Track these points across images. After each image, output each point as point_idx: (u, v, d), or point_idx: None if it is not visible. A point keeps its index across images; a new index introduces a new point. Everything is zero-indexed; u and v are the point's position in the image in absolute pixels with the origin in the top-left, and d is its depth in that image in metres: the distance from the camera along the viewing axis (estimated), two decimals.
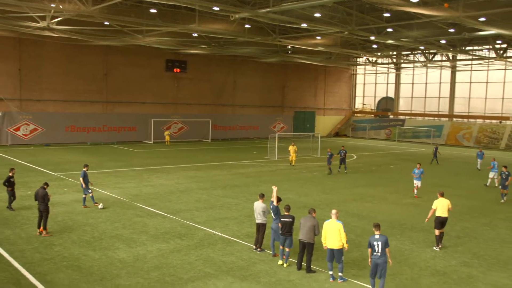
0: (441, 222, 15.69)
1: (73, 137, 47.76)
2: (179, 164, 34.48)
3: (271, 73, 63.68)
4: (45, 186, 16.71)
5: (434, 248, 15.56)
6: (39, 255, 14.07)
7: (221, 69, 58.54)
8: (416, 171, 24.93)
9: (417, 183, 24.67)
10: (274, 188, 15.03)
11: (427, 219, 16.27)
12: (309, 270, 13.15)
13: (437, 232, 15.69)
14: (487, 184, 28.61)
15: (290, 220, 13.63)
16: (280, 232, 13.72)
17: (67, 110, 47.52)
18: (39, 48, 44.99)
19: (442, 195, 16.15)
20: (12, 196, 19.39)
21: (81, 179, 20.40)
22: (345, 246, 12.58)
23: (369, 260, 11.69)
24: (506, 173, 24.53)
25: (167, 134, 51.60)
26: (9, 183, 19.23)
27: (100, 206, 20.35)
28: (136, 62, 51.23)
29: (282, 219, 13.72)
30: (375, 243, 11.54)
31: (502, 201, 23.99)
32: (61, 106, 47.20)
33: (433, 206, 15.90)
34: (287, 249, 13.71)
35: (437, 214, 15.76)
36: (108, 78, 49.63)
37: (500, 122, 58.87)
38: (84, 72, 48.09)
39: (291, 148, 34.84)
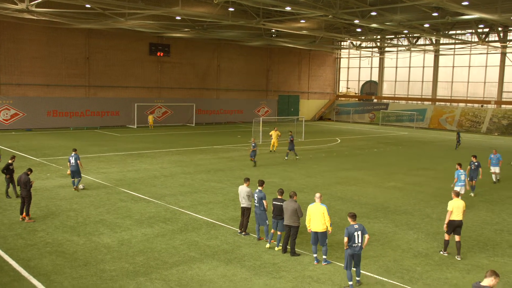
0: (455, 226, 13.65)
1: (55, 122, 47.20)
2: (163, 149, 34.33)
3: (255, 57, 63.41)
4: (28, 172, 16.54)
5: (441, 252, 13.81)
6: (22, 241, 13.97)
7: (205, 53, 58.10)
8: (460, 174, 19.53)
9: (460, 189, 19.12)
10: None
11: (445, 225, 13.76)
12: (293, 253, 13.26)
13: (447, 237, 13.77)
14: (497, 179, 24.95)
15: (281, 204, 13.65)
16: (273, 215, 13.84)
17: (48, 94, 46.82)
18: (18, 31, 44.11)
19: (457, 195, 14.02)
20: (10, 183, 19.02)
21: (79, 162, 20.57)
22: (329, 229, 12.68)
23: (346, 248, 11.25)
24: (476, 163, 21.99)
25: (151, 118, 51.39)
26: (8, 170, 18.92)
27: (81, 186, 20.87)
28: (118, 45, 50.58)
29: (273, 202, 13.81)
30: (355, 233, 11.20)
31: (472, 194, 21.56)
32: (42, 90, 46.50)
33: (449, 208, 13.67)
34: (278, 233, 13.80)
35: (451, 217, 13.69)
36: (90, 62, 48.94)
37: (482, 106, 59.58)
38: (66, 56, 47.34)
39: (273, 133, 33.94)
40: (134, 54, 51.95)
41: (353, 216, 11.47)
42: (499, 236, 15.74)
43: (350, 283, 11.18)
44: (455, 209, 13.64)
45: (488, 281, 7.49)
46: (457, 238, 13.60)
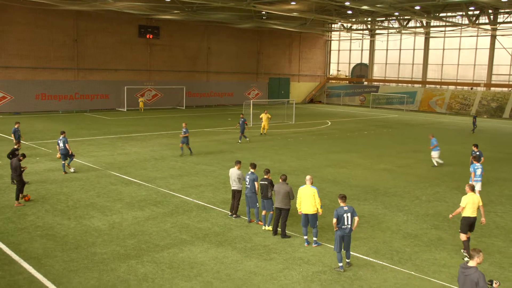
0: (470, 224, 12.43)
1: (44, 105, 46.73)
2: (153, 132, 34.19)
3: (246, 39, 62.96)
4: (21, 158, 16.43)
5: (464, 257, 12.27)
6: (12, 225, 13.92)
7: (195, 35, 57.58)
8: (477, 168, 17.34)
9: (477, 185, 16.94)
10: None
11: (452, 215, 12.84)
12: (284, 235, 13.35)
13: (464, 237, 12.42)
14: (435, 164, 24.40)
15: (266, 183, 13.77)
16: (261, 195, 14.01)
17: (36, 77, 46.27)
18: (4, 12, 43.31)
19: (472, 189, 12.60)
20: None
21: (67, 145, 20.47)
22: (320, 211, 12.76)
23: (335, 230, 11.32)
24: (478, 152, 19.88)
25: (141, 101, 51.09)
26: (14, 156, 18.60)
27: (72, 170, 20.89)
28: (107, 28, 49.94)
29: (260, 182, 13.99)
30: (345, 215, 11.26)
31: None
32: (30, 73, 45.91)
33: (462, 204, 12.35)
34: (270, 213, 13.89)
35: (465, 214, 12.38)
36: (79, 45, 48.32)
37: (472, 89, 59.82)
38: (54, 38, 46.66)
39: (264, 116, 33.95)
40: (123, 36, 51.34)
41: (343, 198, 11.54)
42: (486, 218, 15.87)
43: (340, 264, 11.30)
44: (470, 205, 12.33)
45: (474, 261, 7.66)
46: (468, 236, 12.52)
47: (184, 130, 25.46)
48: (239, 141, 30.52)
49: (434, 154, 24.36)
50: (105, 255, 11.88)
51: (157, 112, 49.49)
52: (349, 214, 11.31)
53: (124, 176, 20.34)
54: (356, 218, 11.44)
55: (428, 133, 28.30)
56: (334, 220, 11.29)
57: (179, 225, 14.27)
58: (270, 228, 13.84)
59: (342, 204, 11.45)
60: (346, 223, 11.29)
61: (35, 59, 45.88)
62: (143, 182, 19.36)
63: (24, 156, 16.69)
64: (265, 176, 14.02)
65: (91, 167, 22.02)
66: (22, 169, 16.14)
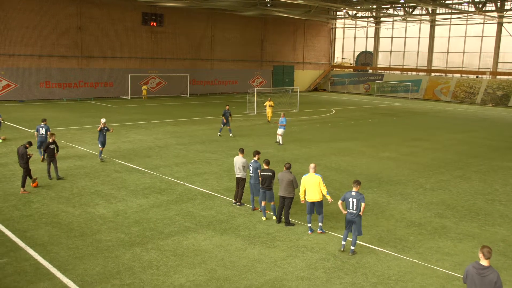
0: None
1: (49, 93, 46.77)
2: (157, 120, 34.21)
3: (250, 27, 62.65)
4: (27, 145, 16.48)
5: None
6: (18, 212, 14.01)
7: (199, 23, 57.33)
8: None
9: None
10: None
11: None
12: (287, 223, 13.39)
13: None
14: (278, 141, 25.77)
15: (270, 174, 13.71)
16: (260, 186, 13.88)
17: (40, 65, 46.24)
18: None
19: None
20: (51, 163, 17.97)
21: (49, 133, 20.13)
22: (328, 197, 12.68)
23: (343, 212, 11.71)
24: None
25: (144, 89, 51.04)
26: (47, 149, 18.28)
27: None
28: (111, 15, 49.75)
29: (262, 173, 13.84)
30: (350, 199, 11.47)
31: None
32: (34, 61, 45.88)
33: None
34: (272, 203, 13.90)
35: None
36: (82, 32, 48.21)
37: (477, 77, 59.42)
38: (57, 25, 46.53)
39: (267, 104, 34.02)
40: (127, 24, 51.15)
41: (355, 182, 11.70)
42: (490, 206, 15.93)
43: (343, 242, 11.60)
44: None
45: (487, 260, 7.51)
46: None
47: (39, 128, 20.57)
48: (219, 133, 28.58)
49: (280, 131, 25.73)
50: (110, 242, 11.95)
51: (161, 100, 49.46)
52: (354, 200, 11.43)
53: (128, 164, 20.40)
54: (363, 204, 11.52)
55: (433, 122, 28.20)
56: (339, 201, 11.57)
57: (184, 212, 14.33)
58: (264, 219, 13.85)
59: (354, 189, 11.58)
60: (351, 208, 11.45)
61: (39, 47, 45.82)
62: (147, 170, 19.42)
63: (30, 143, 16.77)
64: (266, 167, 13.89)
65: (95, 155, 22.07)
66: (28, 156, 16.22)
